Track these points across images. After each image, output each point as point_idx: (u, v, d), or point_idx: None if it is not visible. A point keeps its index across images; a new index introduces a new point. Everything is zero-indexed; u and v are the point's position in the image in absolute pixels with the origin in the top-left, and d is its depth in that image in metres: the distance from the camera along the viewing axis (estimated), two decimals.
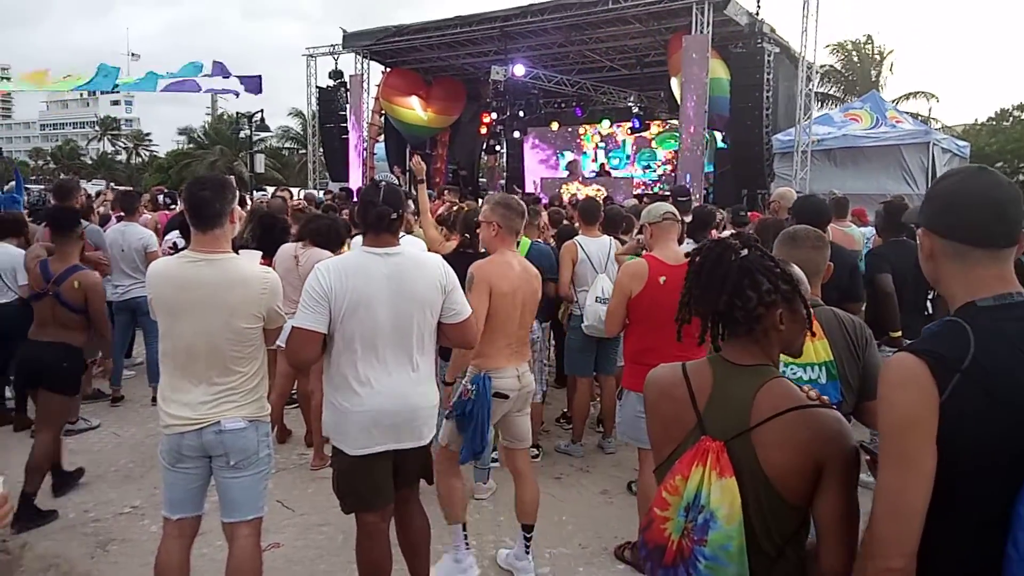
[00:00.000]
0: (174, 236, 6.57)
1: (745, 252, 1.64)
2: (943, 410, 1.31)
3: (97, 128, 69.50)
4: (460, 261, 3.76)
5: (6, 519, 1.64)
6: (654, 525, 1.60)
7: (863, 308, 4.45)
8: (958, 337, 1.36)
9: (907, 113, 17.31)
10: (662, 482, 1.63)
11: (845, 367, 2.41)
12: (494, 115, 18.98)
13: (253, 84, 11.65)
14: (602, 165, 22.63)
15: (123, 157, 64.33)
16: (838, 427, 1.52)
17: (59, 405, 4.29)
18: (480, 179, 24.21)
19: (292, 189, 14.22)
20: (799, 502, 1.52)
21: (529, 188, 22.40)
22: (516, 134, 22.04)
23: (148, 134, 67.81)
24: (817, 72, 15.77)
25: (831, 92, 29.59)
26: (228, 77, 11.54)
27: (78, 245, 4.47)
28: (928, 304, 4.81)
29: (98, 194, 11.36)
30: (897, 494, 1.34)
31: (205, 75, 11.67)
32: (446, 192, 10.97)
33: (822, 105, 22.64)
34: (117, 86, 13.18)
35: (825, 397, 1.61)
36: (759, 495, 1.52)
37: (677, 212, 4.07)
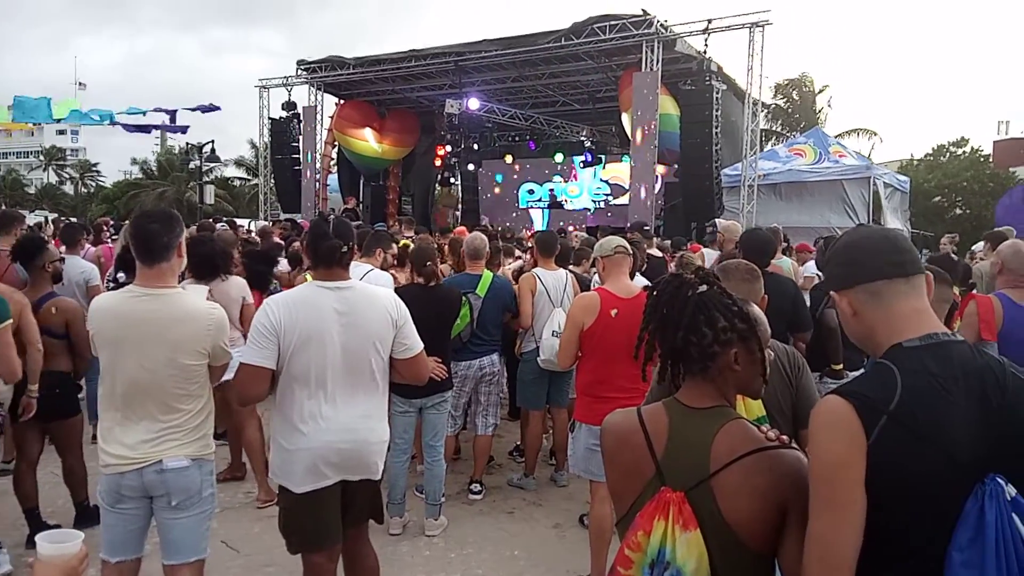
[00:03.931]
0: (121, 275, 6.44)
1: (703, 288, 1.61)
2: (871, 453, 1.30)
3: (41, 158, 67.77)
4: (412, 295, 3.75)
5: None
6: None
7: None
8: (885, 379, 1.36)
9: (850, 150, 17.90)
10: (624, 538, 1.55)
11: (779, 396, 2.45)
12: (448, 147, 19.09)
13: (204, 108, 11.56)
14: (550, 192, 22.87)
15: (69, 188, 62.81)
16: (800, 467, 1.47)
17: (68, 428, 4.33)
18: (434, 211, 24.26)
19: (239, 220, 14.08)
20: (764, 549, 1.48)
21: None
22: (470, 167, 22.20)
23: (95, 164, 66.34)
24: (762, 109, 16.24)
25: (775, 129, 30.46)
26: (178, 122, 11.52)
27: (47, 274, 4.41)
28: None
29: (38, 226, 11.06)
30: (826, 540, 1.32)
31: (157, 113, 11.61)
32: (403, 225, 10.96)
33: (765, 142, 23.25)
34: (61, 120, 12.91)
35: (785, 437, 1.55)
36: (722, 545, 1.46)
37: (629, 246, 4.13)
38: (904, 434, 1.30)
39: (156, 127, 11.93)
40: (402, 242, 5.95)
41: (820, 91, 32.26)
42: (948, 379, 1.34)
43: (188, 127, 11.83)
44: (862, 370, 4.69)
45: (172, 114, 11.48)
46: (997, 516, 1.26)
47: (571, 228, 15.39)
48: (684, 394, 1.63)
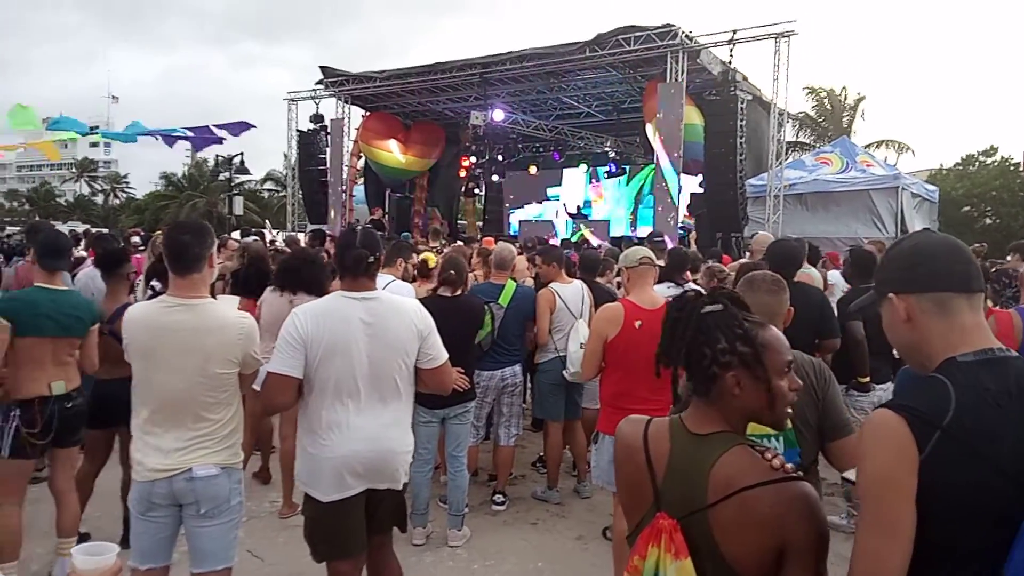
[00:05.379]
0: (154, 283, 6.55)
1: (713, 307, 1.56)
2: (923, 468, 1.27)
3: (74, 170, 69.18)
4: (436, 305, 3.78)
5: None
6: None
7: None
8: (939, 393, 1.32)
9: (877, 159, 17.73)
10: (627, 561, 1.55)
11: (805, 409, 2.40)
12: (473, 159, 19.19)
13: (237, 128, 11.72)
14: (578, 207, 22.89)
15: (100, 199, 64.03)
16: (802, 503, 1.41)
17: None
18: (459, 221, 24.37)
19: (265, 231, 14.26)
20: None
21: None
22: (495, 177, 22.29)
23: (125, 176, 67.57)
24: (788, 119, 16.12)
25: (802, 139, 30.17)
26: (211, 134, 11.73)
27: (127, 284, 4.58)
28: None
29: (74, 237, 11.28)
30: (875, 556, 1.29)
31: (189, 129, 11.81)
32: (429, 236, 11.05)
33: (790, 151, 23.05)
34: (96, 130, 13.17)
35: (790, 465, 1.47)
36: None
37: (654, 256, 4.13)
38: (958, 450, 1.27)
39: (189, 138, 12.09)
40: (423, 255, 5.94)
41: (855, 104, 31.88)
42: (1003, 395, 1.30)
43: (224, 139, 11.98)
44: (889, 382, 4.67)
45: (207, 130, 11.64)
46: None
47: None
48: (689, 417, 1.60)
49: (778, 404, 1.53)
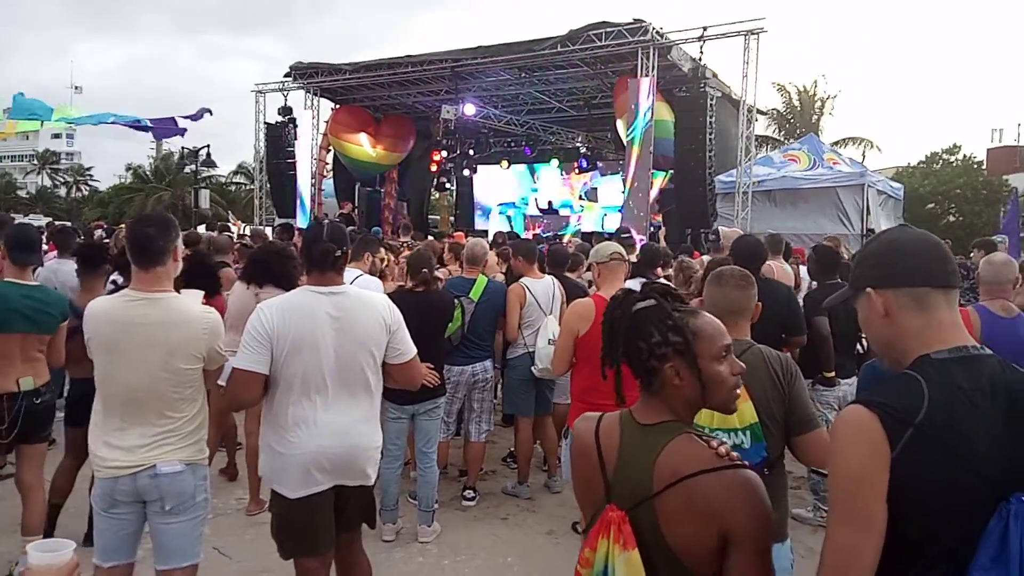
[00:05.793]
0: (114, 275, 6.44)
1: (645, 303, 1.59)
2: (895, 466, 1.27)
3: (36, 161, 67.64)
4: (405, 300, 3.76)
5: None
6: None
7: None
8: (912, 390, 1.32)
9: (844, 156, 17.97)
10: (580, 553, 1.56)
11: (771, 404, 2.42)
12: (444, 153, 19.11)
13: (195, 115, 11.57)
14: (549, 202, 22.96)
15: (63, 191, 62.71)
16: (745, 490, 1.43)
17: None
18: (430, 216, 24.28)
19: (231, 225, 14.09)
20: (708, 573, 1.44)
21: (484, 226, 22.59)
22: (466, 172, 22.24)
23: (89, 168, 66.23)
24: (756, 117, 16.26)
25: (772, 134, 30.51)
26: (175, 124, 11.57)
27: (103, 280, 4.53)
28: (860, 343, 4.95)
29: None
30: (845, 552, 1.29)
31: (151, 119, 11.63)
32: (400, 232, 10.99)
33: (760, 147, 23.25)
34: (62, 119, 12.85)
35: (735, 454, 1.49)
36: (669, 568, 1.45)
37: (625, 252, 4.14)
38: (931, 447, 1.27)
39: (151, 128, 11.88)
40: (380, 255, 5.85)
41: (824, 100, 32.27)
42: (976, 393, 1.30)
43: (185, 130, 11.80)
44: (853, 377, 4.74)
45: (172, 121, 11.46)
46: (1022, 537, 1.22)
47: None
48: (637, 408, 1.63)
49: (718, 389, 1.56)
